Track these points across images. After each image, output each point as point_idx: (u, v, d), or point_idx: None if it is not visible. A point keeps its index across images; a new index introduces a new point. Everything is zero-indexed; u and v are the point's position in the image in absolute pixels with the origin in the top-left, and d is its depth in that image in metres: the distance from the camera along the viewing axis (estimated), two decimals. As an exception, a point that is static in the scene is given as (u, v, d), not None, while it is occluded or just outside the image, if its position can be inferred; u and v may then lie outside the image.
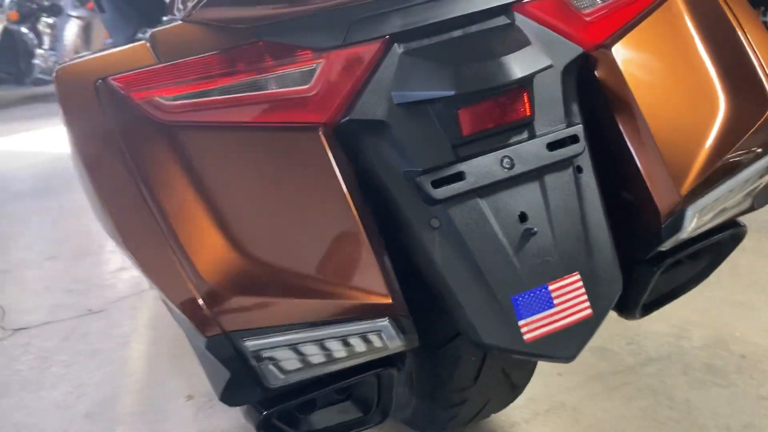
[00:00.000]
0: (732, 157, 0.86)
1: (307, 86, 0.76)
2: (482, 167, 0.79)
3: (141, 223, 0.69)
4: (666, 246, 0.87)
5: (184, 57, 0.75)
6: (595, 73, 0.88)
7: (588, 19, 0.87)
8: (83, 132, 0.73)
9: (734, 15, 0.93)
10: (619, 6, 0.90)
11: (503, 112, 0.79)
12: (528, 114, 0.80)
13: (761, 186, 0.91)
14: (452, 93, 0.74)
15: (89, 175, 0.71)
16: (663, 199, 0.85)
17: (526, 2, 0.83)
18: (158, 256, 0.68)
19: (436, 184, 0.77)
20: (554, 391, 1.35)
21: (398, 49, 0.78)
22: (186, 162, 0.72)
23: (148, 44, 0.77)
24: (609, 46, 0.88)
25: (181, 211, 0.70)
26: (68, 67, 0.77)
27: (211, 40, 0.76)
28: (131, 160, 0.71)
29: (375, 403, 0.84)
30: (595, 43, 0.87)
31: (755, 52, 0.91)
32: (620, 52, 0.88)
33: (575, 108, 0.86)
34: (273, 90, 0.76)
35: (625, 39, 0.89)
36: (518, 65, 0.76)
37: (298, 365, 0.73)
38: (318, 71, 0.76)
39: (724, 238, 0.97)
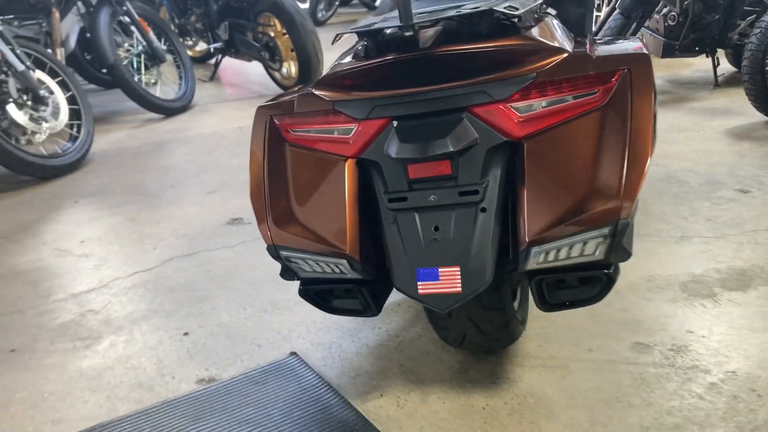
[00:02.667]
0: (574, 223, 1.33)
1: (348, 136, 1.51)
2: (417, 197, 1.44)
3: (257, 186, 1.56)
4: (525, 267, 1.40)
5: (305, 111, 1.57)
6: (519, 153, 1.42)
7: (516, 120, 1.41)
8: (254, 139, 1.62)
9: (631, 130, 1.34)
10: (546, 115, 1.40)
11: (434, 169, 1.42)
12: (449, 173, 1.42)
13: (604, 246, 1.35)
14: (395, 157, 1.42)
15: (249, 160, 1.61)
16: (521, 239, 1.38)
17: (473, 106, 1.42)
18: (259, 205, 1.55)
19: (390, 200, 1.46)
20: (553, 353, 1.85)
21: (393, 124, 1.47)
22: (287, 162, 1.56)
23: (295, 100, 1.60)
24: (532, 137, 1.40)
25: (275, 184, 1.55)
26: (262, 106, 1.66)
27: (317, 104, 1.57)
28: (266, 156, 1.58)
29: (366, 303, 1.60)
30: (519, 136, 1.41)
31: (625, 159, 1.32)
32: (536, 141, 1.40)
33: (493, 172, 1.42)
34: (334, 135, 1.54)
35: (546, 132, 1.40)
36: (434, 147, 1.38)
37: (310, 269, 1.55)
38: (354, 130, 1.51)
39: (596, 277, 1.42)
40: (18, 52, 3.37)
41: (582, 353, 1.85)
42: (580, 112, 1.39)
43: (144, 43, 4.70)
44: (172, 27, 5.75)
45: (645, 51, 1.45)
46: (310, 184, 1.53)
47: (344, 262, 1.48)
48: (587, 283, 1.47)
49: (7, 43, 3.34)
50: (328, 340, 1.98)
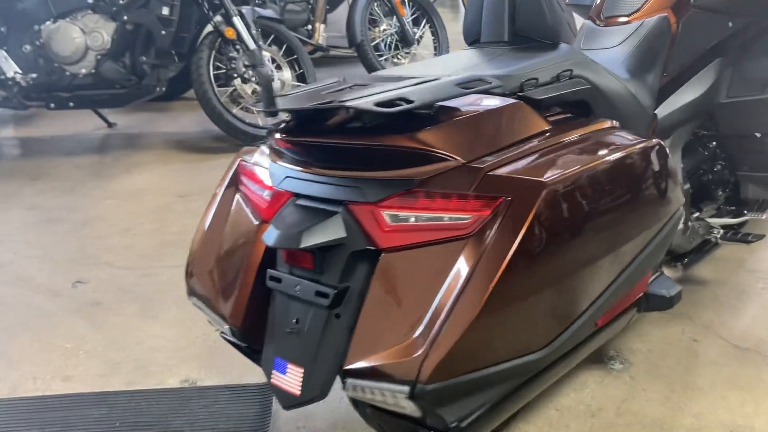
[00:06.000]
0: (382, 368, 1.11)
1: (268, 200, 1.44)
2: (289, 282, 1.33)
3: (200, 224, 1.59)
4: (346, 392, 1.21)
5: (257, 162, 1.55)
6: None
7: (384, 228, 1.20)
8: (222, 179, 1.64)
9: (469, 278, 1.05)
10: (412, 230, 1.17)
11: (301, 259, 1.30)
12: (311, 268, 1.28)
13: (414, 405, 1.09)
14: (263, 242, 1.32)
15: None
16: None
17: (351, 202, 1.24)
18: (193, 242, 1.58)
19: (271, 278, 1.37)
20: None
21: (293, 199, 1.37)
22: (230, 209, 1.56)
23: (259, 149, 1.58)
24: (391, 252, 1.19)
25: (213, 228, 1.55)
26: (244, 148, 1.66)
27: (264, 158, 1.52)
28: (220, 198, 1.58)
29: None
30: (381, 246, 1.20)
31: (447, 312, 1.05)
32: (392, 258, 1.18)
33: (358, 278, 1.24)
34: (262, 195, 1.46)
35: (406, 251, 1.17)
36: (285, 239, 1.25)
37: (213, 322, 1.55)
38: (272, 195, 1.43)
39: None
40: (253, 32, 3.81)
41: None
42: (443, 238, 1.14)
43: (397, 26, 4.88)
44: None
45: (552, 176, 1.11)
46: (230, 238, 1.52)
47: (227, 326, 1.46)
48: None
49: (246, 24, 3.80)
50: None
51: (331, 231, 1.24)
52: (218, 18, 3.77)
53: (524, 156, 1.23)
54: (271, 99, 1.24)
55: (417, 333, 1.10)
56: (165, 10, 3.62)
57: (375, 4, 4.83)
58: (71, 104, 3.76)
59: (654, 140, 1.40)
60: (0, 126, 4.62)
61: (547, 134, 1.34)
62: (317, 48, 4.82)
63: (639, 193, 1.33)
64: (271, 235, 1.29)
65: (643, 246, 1.38)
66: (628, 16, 1.96)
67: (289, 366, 1.32)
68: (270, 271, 1.37)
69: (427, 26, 5.11)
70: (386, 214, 1.20)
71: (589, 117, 1.50)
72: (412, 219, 1.18)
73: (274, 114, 1.27)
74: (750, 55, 2.05)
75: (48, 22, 3.66)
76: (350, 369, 1.17)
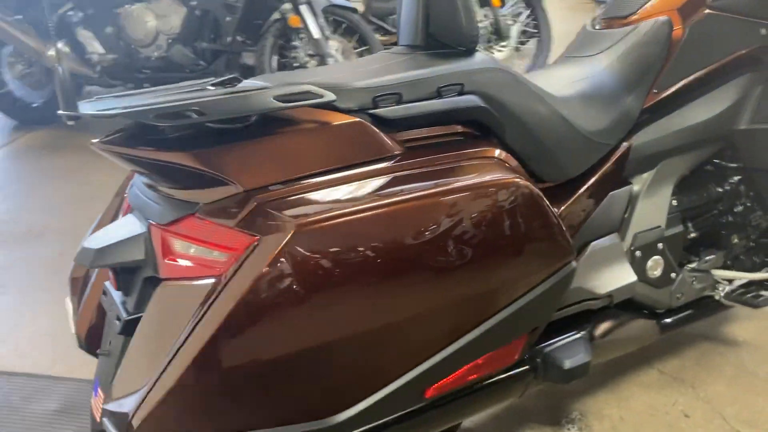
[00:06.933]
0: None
1: None
2: (109, 300, 1.22)
3: None
4: None
5: None
6: None
7: (167, 261, 1.06)
8: None
9: (193, 330, 0.89)
10: (185, 261, 1.02)
11: (110, 276, 1.19)
12: (117, 288, 1.16)
13: None
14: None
15: None
16: None
17: (150, 223, 1.11)
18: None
19: (104, 293, 1.27)
20: None
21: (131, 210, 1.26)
22: None
23: None
24: (167, 283, 1.05)
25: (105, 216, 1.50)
26: None
27: None
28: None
29: None
30: (163, 276, 1.06)
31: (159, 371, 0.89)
32: (165, 291, 1.04)
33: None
34: None
35: (180, 282, 1.02)
36: (82, 254, 1.13)
37: None
38: None
39: None
40: (320, 20, 3.71)
41: None
42: (200, 275, 0.98)
43: (491, 18, 4.57)
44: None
45: (316, 215, 0.92)
46: None
47: (74, 334, 1.40)
48: None
49: (313, 12, 3.71)
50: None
51: (129, 252, 1.12)
52: (287, 5, 3.72)
53: (322, 187, 1.03)
54: (72, 101, 1.13)
55: (144, 384, 0.96)
56: (232, -3, 3.64)
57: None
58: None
59: (520, 182, 1.12)
60: (101, 102, 4.95)
61: (391, 161, 1.11)
62: (403, 38, 4.63)
63: (479, 245, 1.07)
64: (82, 247, 1.20)
65: (500, 307, 1.12)
66: (624, 17, 1.63)
67: (99, 389, 1.23)
68: (105, 285, 1.28)
69: (529, 19, 4.74)
70: (171, 240, 1.06)
71: (476, 141, 1.24)
72: (192, 249, 1.03)
73: (74, 119, 1.16)
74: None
75: (127, 5, 3.82)
76: (104, 408, 1.05)
